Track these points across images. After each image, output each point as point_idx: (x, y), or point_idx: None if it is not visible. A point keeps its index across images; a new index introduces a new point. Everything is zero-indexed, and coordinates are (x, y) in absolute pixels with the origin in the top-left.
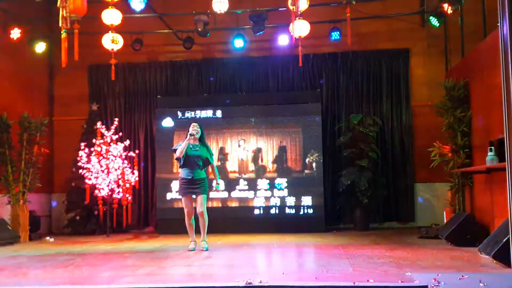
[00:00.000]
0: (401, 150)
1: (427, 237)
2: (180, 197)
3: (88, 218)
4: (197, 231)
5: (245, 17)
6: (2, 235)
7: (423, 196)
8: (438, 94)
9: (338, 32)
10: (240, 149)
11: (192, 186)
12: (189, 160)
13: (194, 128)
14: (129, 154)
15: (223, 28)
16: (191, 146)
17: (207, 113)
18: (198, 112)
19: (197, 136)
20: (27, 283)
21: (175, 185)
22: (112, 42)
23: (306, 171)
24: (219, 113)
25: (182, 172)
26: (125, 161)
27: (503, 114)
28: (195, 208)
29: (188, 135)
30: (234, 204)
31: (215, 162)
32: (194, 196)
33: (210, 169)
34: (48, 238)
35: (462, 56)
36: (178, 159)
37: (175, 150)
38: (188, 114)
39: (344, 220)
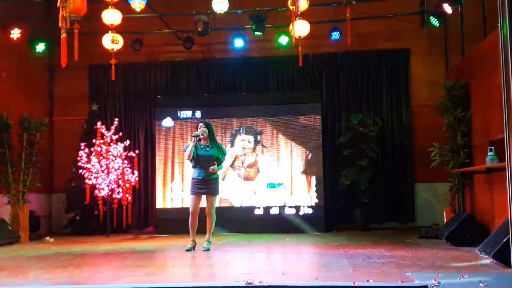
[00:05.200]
0: (401, 150)
1: (427, 237)
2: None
3: (88, 218)
4: (202, 231)
5: (245, 17)
6: (2, 235)
7: (423, 196)
8: (438, 94)
9: (338, 32)
10: (239, 149)
11: (204, 186)
12: (200, 160)
13: (201, 129)
14: (129, 154)
15: (223, 28)
16: (201, 146)
17: (207, 113)
18: (197, 112)
19: (203, 134)
20: (27, 283)
21: (175, 185)
22: (112, 42)
23: (306, 171)
24: (218, 113)
25: (194, 172)
26: (125, 161)
27: (503, 114)
28: (201, 208)
29: (193, 137)
30: (234, 204)
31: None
32: (204, 196)
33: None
34: (48, 238)
35: (462, 56)
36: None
37: (186, 150)
38: (188, 114)
39: (344, 220)
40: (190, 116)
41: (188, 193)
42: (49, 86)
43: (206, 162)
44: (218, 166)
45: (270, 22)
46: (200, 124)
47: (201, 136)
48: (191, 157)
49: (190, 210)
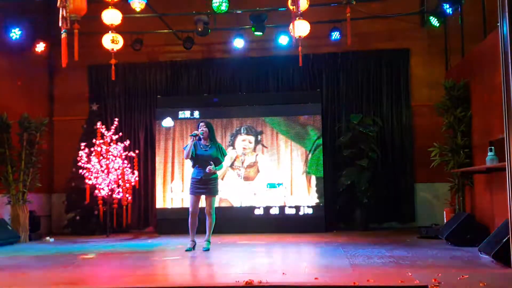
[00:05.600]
0: (401, 150)
1: (427, 237)
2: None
3: (88, 218)
4: (202, 231)
5: (245, 17)
6: (2, 235)
7: (423, 196)
8: (438, 94)
9: (338, 32)
10: (240, 149)
11: (202, 186)
12: (200, 160)
13: (201, 128)
14: (129, 154)
15: (223, 28)
16: (201, 146)
17: (207, 113)
18: (197, 112)
19: (202, 134)
20: (27, 283)
21: (175, 185)
22: (112, 42)
23: (306, 171)
24: (218, 113)
25: (193, 172)
26: (125, 161)
27: (503, 114)
28: (201, 208)
29: (191, 136)
30: (234, 204)
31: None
32: (203, 196)
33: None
34: (48, 238)
35: (462, 56)
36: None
37: (185, 149)
38: (188, 114)
39: (344, 220)
40: (190, 116)
41: (188, 193)
42: (49, 86)
43: (205, 162)
44: (217, 166)
45: (270, 22)
46: (201, 124)
47: (201, 136)
48: (190, 157)
49: (190, 210)
